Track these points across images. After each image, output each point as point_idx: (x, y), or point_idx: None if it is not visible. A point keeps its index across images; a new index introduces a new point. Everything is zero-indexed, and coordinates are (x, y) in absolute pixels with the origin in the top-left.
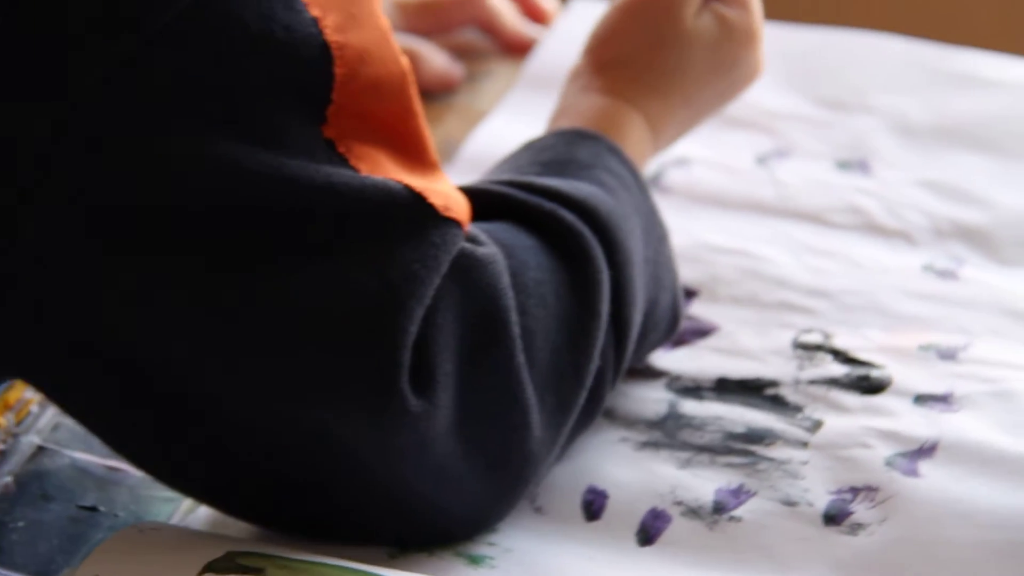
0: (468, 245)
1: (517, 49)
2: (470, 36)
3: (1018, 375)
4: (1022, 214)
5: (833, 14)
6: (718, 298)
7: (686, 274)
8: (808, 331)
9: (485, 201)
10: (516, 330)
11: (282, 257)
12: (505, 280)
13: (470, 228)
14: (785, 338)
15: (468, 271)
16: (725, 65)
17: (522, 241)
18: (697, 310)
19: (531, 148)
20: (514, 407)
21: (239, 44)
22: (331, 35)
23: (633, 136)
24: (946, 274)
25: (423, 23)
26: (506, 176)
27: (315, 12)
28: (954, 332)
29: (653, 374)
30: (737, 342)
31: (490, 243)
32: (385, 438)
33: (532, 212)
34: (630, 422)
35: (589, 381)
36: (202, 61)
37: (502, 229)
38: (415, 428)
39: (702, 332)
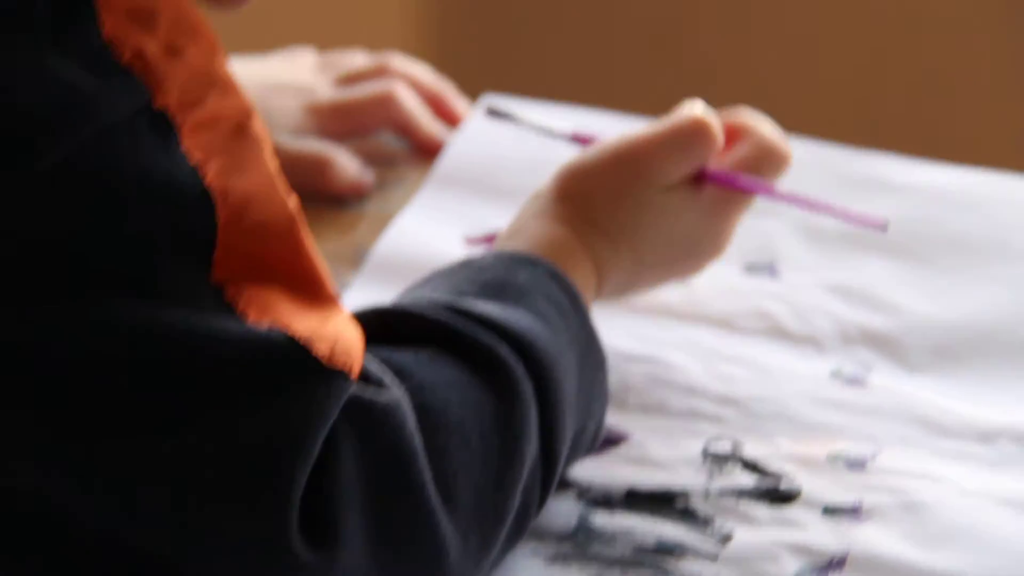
0: (369, 392)
1: (432, 150)
2: (383, 140)
3: (927, 485)
4: (930, 320)
5: None
6: (627, 406)
7: None
8: (718, 440)
9: (418, 325)
10: (426, 476)
11: (163, 414)
12: (409, 427)
13: (374, 367)
14: (695, 447)
15: (367, 422)
16: (684, 240)
17: (449, 375)
18: (607, 418)
19: (469, 267)
20: (429, 552)
21: (114, 196)
22: (213, 181)
23: (577, 272)
24: (854, 381)
25: (336, 126)
26: (443, 297)
27: (196, 159)
28: (862, 441)
29: (563, 485)
30: (647, 451)
31: (394, 385)
32: None
33: (467, 343)
34: (540, 534)
35: (511, 519)
36: (74, 214)
37: (428, 362)
38: None
39: (612, 441)
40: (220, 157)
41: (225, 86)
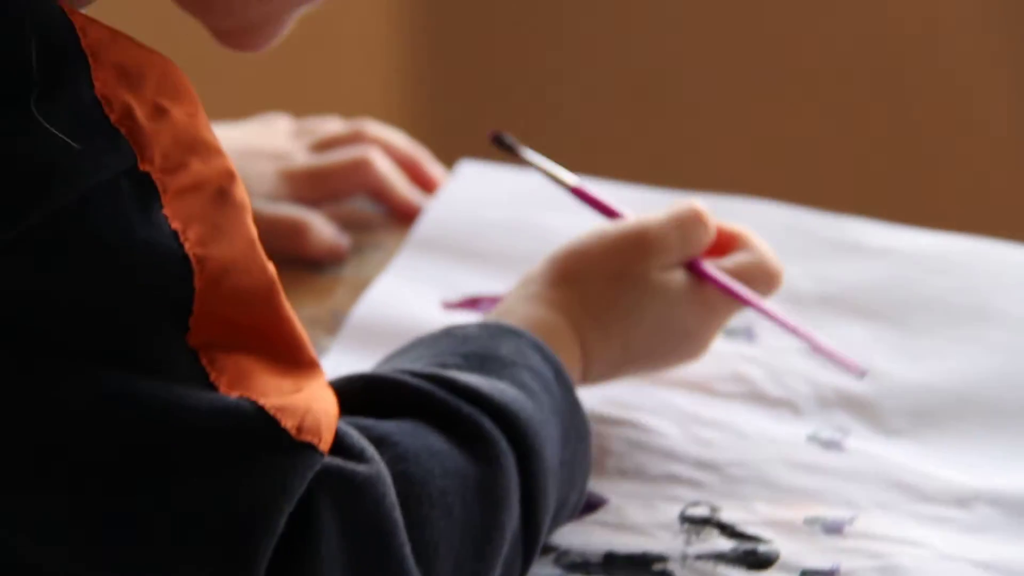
0: (348, 465)
1: (407, 216)
2: (359, 205)
3: (904, 550)
4: (907, 383)
5: (715, 182)
6: (605, 471)
7: None
8: (695, 504)
9: (401, 395)
10: (406, 549)
11: (128, 484)
12: (389, 499)
13: (354, 439)
14: (672, 512)
15: (346, 495)
16: (675, 329)
17: (432, 445)
18: None
19: (452, 336)
20: None
21: (92, 261)
22: (192, 248)
23: (563, 356)
24: (831, 445)
25: (311, 192)
26: (426, 368)
27: (176, 225)
28: (840, 505)
29: (542, 549)
30: (624, 516)
31: (374, 457)
32: None
33: (450, 414)
34: None
35: None
36: (50, 279)
37: (411, 431)
38: None
39: (590, 506)
40: (201, 223)
41: (208, 149)
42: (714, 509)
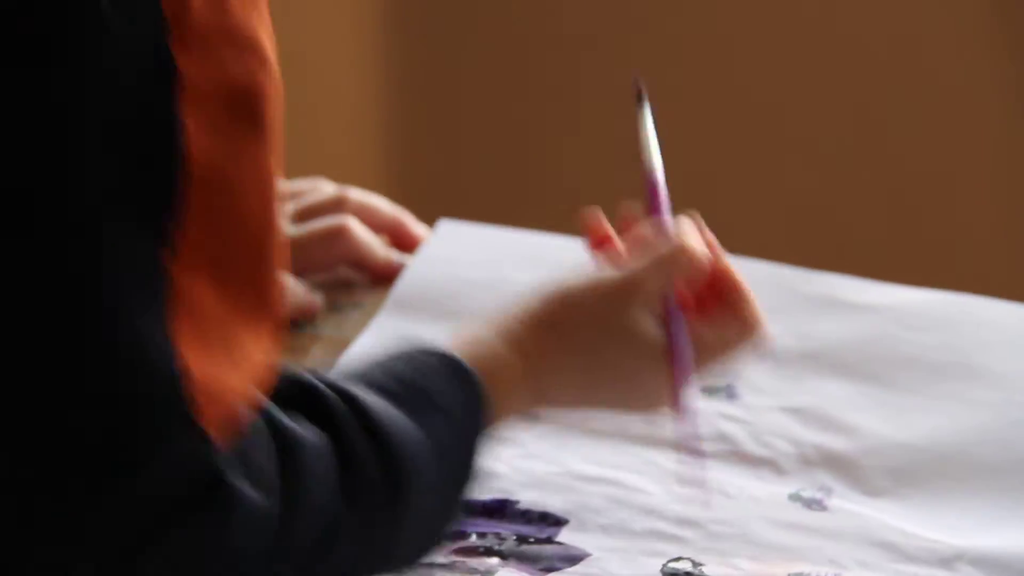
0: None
1: (388, 278)
2: (338, 270)
3: None
4: (888, 441)
5: None
6: (587, 527)
7: (555, 503)
8: (677, 560)
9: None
10: None
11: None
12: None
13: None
14: (654, 566)
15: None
16: (637, 385)
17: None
18: (566, 539)
19: (409, 360)
20: None
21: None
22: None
23: (509, 402)
24: (813, 503)
25: (291, 262)
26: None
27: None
28: (822, 564)
29: None
30: (606, 569)
31: (273, 491)
32: None
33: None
34: None
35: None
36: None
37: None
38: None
39: (571, 559)
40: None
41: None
42: (696, 565)
